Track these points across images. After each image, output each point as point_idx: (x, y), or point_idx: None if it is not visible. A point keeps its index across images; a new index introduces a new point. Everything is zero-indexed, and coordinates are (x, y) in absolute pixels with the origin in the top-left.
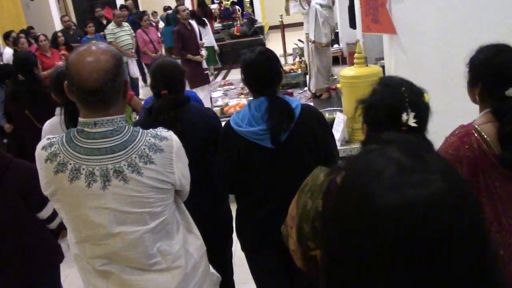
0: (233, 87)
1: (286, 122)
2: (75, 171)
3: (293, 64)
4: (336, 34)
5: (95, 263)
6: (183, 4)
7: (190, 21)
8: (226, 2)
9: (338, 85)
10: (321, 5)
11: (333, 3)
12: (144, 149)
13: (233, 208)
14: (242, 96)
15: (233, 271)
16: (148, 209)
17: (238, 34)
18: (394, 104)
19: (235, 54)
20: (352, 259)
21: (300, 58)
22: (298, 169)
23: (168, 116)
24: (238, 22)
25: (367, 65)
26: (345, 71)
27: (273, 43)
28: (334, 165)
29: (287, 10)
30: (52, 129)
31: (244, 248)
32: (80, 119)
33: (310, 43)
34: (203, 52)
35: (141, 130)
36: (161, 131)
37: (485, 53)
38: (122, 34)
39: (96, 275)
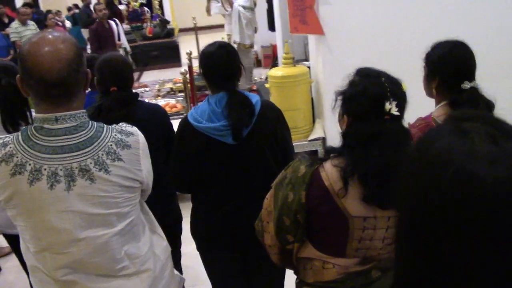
0: (148, 89)
1: (247, 118)
2: (35, 172)
3: None
4: None
5: (57, 274)
6: (99, 3)
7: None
8: (135, 3)
9: (267, 85)
10: (243, 7)
11: (255, 5)
12: (111, 145)
13: (183, 207)
14: (159, 98)
15: (182, 273)
16: (115, 209)
17: (150, 35)
18: (377, 94)
19: (147, 56)
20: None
21: None
22: (259, 165)
23: (119, 114)
24: (148, 24)
25: (294, 66)
26: (274, 72)
27: (186, 46)
28: (305, 158)
29: (208, 11)
30: None
31: (199, 248)
32: (38, 115)
33: (231, 42)
34: (121, 52)
35: (105, 125)
36: (126, 126)
37: (441, 48)
38: (28, 34)
39: (57, 287)
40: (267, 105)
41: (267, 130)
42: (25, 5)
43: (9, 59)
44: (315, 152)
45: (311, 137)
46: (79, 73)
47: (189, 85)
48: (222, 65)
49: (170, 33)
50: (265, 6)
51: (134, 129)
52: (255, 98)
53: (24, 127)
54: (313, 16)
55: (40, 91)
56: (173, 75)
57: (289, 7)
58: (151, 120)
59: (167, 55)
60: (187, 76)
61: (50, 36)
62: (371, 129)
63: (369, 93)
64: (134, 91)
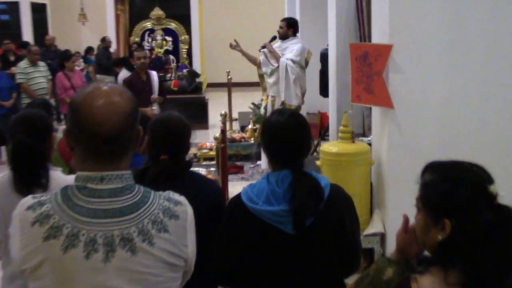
0: None
1: (313, 204)
2: (72, 237)
3: (245, 132)
4: None
5: None
6: (140, 49)
7: (152, 71)
8: (159, 50)
9: (318, 162)
10: (293, 61)
11: (307, 64)
12: (158, 213)
13: None
14: None
15: None
16: None
17: (175, 89)
18: (477, 178)
19: None
20: None
21: (253, 125)
22: (320, 263)
23: (164, 187)
24: (172, 75)
25: (353, 142)
26: (327, 147)
27: (215, 104)
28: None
29: (257, 64)
30: None
31: None
32: (81, 173)
33: (275, 106)
34: (155, 107)
35: (152, 191)
36: (174, 194)
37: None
38: (37, 76)
39: None
40: (336, 191)
41: (335, 222)
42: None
43: (11, 103)
44: (371, 250)
45: (368, 231)
46: (134, 129)
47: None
48: (291, 140)
49: (198, 87)
50: (317, 66)
51: (183, 198)
52: (324, 181)
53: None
54: (381, 85)
55: (90, 146)
56: (198, 138)
57: (353, 72)
58: (199, 197)
59: (194, 113)
60: (221, 142)
61: (105, 88)
62: (485, 221)
63: (467, 182)
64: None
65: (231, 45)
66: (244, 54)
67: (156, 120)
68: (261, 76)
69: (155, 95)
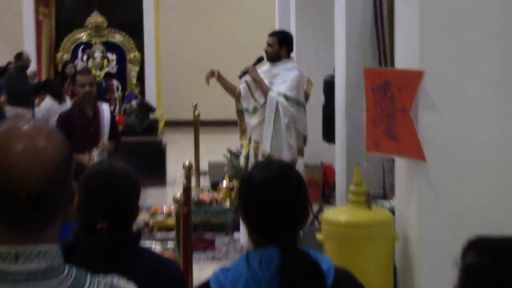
0: None
1: None
2: None
3: (217, 191)
4: None
5: None
6: (85, 72)
7: (102, 103)
8: (98, 73)
9: (319, 236)
10: (286, 98)
11: (307, 98)
12: None
13: None
14: None
15: None
16: None
17: (120, 128)
18: None
19: None
20: None
21: (229, 181)
22: None
23: (102, 268)
24: (117, 108)
25: (369, 207)
26: (333, 214)
27: (176, 151)
28: None
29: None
30: None
31: None
32: None
33: (259, 155)
34: (94, 153)
35: (89, 274)
36: (119, 280)
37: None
38: None
39: None
40: (344, 278)
41: None
42: None
43: None
44: None
45: None
46: (65, 186)
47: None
48: (280, 204)
49: (153, 126)
50: (319, 99)
51: (132, 286)
52: (326, 263)
53: None
54: (408, 127)
55: (1, 210)
56: (151, 200)
57: (368, 108)
58: (152, 283)
59: (145, 163)
60: (183, 205)
61: (26, 127)
62: None
63: None
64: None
65: (207, 79)
66: (221, 80)
67: (91, 173)
68: (240, 112)
69: (104, 139)
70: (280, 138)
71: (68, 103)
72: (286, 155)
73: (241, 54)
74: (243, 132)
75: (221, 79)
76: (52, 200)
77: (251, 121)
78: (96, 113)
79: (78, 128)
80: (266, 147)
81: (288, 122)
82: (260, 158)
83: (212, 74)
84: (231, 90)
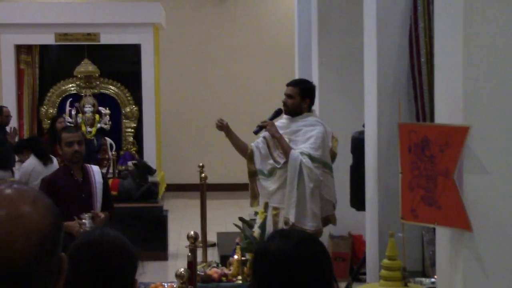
0: None
1: None
2: None
3: (227, 266)
4: None
5: None
6: (72, 129)
7: (91, 165)
8: (89, 130)
9: None
10: (311, 158)
11: (333, 158)
12: None
13: None
14: None
15: None
16: None
17: (114, 193)
18: None
19: None
20: None
21: (242, 255)
22: None
23: None
24: (111, 169)
25: (406, 285)
26: None
27: (179, 219)
28: None
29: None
30: None
31: None
32: None
33: (280, 225)
34: (85, 220)
35: None
36: None
37: None
38: None
39: None
40: None
41: None
42: None
43: None
44: None
45: None
46: (52, 259)
47: None
48: (301, 283)
49: (152, 191)
50: (346, 159)
51: None
52: None
53: None
54: (451, 192)
55: None
56: (151, 276)
57: (404, 170)
58: None
59: (144, 234)
60: (187, 283)
61: (8, 191)
62: None
63: None
64: None
65: (218, 125)
66: (231, 136)
67: (80, 243)
68: (252, 174)
69: (97, 207)
70: (304, 206)
71: (55, 165)
72: (309, 226)
73: (254, 107)
74: (254, 196)
75: (230, 134)
76: (38, 277)
77: (268, 185)
78: (86, 177)
79: (66, 195)
80: (290, 216)
81: (313, 187)
82: (281, 227)
83: (221, 124)
84: (242, 148)
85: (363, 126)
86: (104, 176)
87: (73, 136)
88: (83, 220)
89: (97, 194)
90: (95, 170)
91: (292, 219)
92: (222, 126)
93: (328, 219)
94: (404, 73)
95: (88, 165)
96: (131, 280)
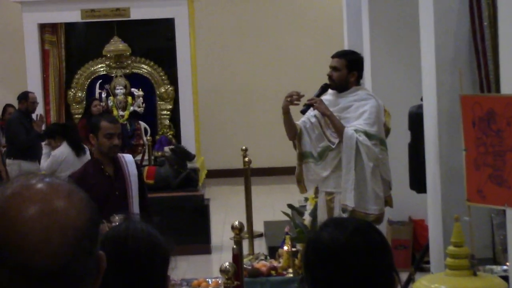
0: None
1: None
2: None
3: (277, 258)
4: None
5: None
6: (109, 116)
7: (123, 155)
8: (121, 113)
9: None
10: (367, 135)
11: (387, 133)
12: None
13: None
14: None
15: None
16: None
17: (151, 182)
18: None
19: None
20: None
21: (292, 246)
22: None
23: None
24: (146, 156)
25: (475, 274)
26: (427, 283)
27: (222, 208)
28: None
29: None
30: None
31: None
32: None
33: (336, 211)
34: (117, 221)
35: None
36: None
37: None
38: None
39: None
40: None
41: None
42: None
43: None
44: None
45: None
46: (90, 258)
47: None
48: (358, 274)
49: (192, 178)
50: (403, 136)
51: None
52: None
53: None
54: None
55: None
56: (194, 271)
57: (468, 147)
58: None
59: (184, 225)
60: (233, 277)
61: (40, 185)
62: None
63: None
64: None
65: (292, 100)
66: (288, 115)
67: (103, 241)
68: (301, 156)
69: (133, 206)
70: (364, 188)
71: (88, 156)
72: (373, 209)
73: (301, 83)
74: (299, 182)
75: (288, 114)
76: (77, 277)
77: (319, 170)
78: (119, 170)
79: (97, 193)
80: (348, 201)
81: (373, 166)
82: (338, 214)
83: (296, 98)
84: (293, 128)
85: (421, 99)
86: (139, 167)
87: (114, 128)
88: (115, 222)
89: (132, 190)
90: (128, 161)
91: (351, 204)
92: (292, 102)
93: (385, 201)
94: (464, 39)
95: (120, 154)
96: (163, 277)
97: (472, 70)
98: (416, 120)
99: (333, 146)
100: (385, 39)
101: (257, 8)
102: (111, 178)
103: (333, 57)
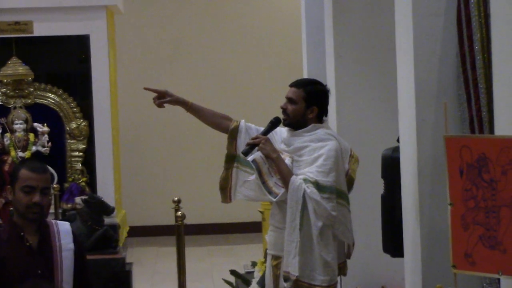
0: None
1: None
2: None
3: None
4: None
5: None
6: (34, 164)
7: (57, 221)
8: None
9: None
10: (318, 187)
11: (351, 184)
12: None
13: None
14: None
15: None
16: None
17: None
18: None
19: None
20: None
21: None
22: None
23: None
24: (52, 208)
25: None
26: None
27: (147, 274)
28: None
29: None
30: None
31: None
32: None
33: (280, 280)
34: None
35: None
36: None
37: None
38: None
39: None
40: None
41: None
42: None
43: None
44: None
45: None
46: None
47: None
48: None
49: (110, 238)
50: (375, 184)
51: None
52: None
53: None
54: None
55: None
56: None
57: (454, 200)
58: None
59: None
60: None
61: None
62: None
63: None
64: None
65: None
66: (194, 109)
67: None
68: (230, 159)
69: None
70: (310, 253)
71: None
72: (320, 280)
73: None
74: (224, 187)
75: (193, 107)
76: None
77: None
78: (46, 241)
79: (11, 269)
80: (291, 267)
81: (322, 226)
82: (282, 285)
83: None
84: (218, 120)
85: (398, 140)
86: (78, 240)
87: (37, 179)
88: None
89: (61, 270)
90: (62, 230)
91: (295, 272)
92: (161, 96)
93: (340, 268)
94: (451, 66)
95: (52, 221)
96: None
97: (460, 104)
98: (390, 166)
99: (274, 199)
100: (354, 65)
101: (195, 24)
102: (32, 250)
103: (290, 86)
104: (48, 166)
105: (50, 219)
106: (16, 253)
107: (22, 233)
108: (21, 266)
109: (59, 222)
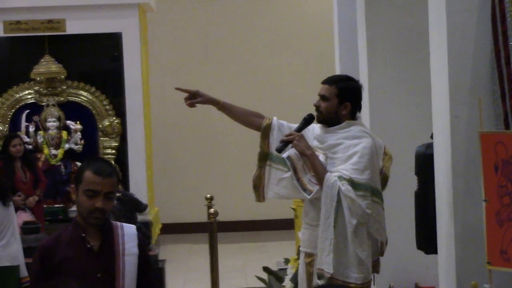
0: None
1: None
2: None
3: None
4: None
5: None
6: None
7: (123, 224)
8: (52, 152)
9: None
10: (353, 184)
11: (385, 181)
12: None
13: None
14: None
15: None
16: None
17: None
18: None
19: None
20: None
21: None
22: None
23: None
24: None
25: None
26: None
27: (180, 271)
28: None
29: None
30: None
31: None
32: None
33: (314, 278)
34: None
35: None
36: None
37: None
38: None
39: None
40: None
41: None
42: None
43: None
44: None
45: None
46: None
47: None
48: None
49: (143, 235)
50: (409, 182)
51: None
52: None
53: None
54: None
55: None
56: None
57: (489, 197)
58: None
59: None
60: None
61: None
62: None
63: None
64: None
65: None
66: (225, 107)
67: None
68: (263, 157)
69: None
70: (345, 251)
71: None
72: (354, 278)
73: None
74: (257, 186)
75: (224, 106)
76: None
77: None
78: (109, 244)
79: (71, 271)
80: (324, 265)
81: (357, 224)
82: (315, 282)
83: (190, 94)
84: (250, 118)
85: (431, 137)
86: (144, 246)
87: (101, 183)
88: None
89: (123, 275)
90: (128, 233)
91: (329, 269)
92: (193, 96)
93: (374, 266)
94: (486, 62)
95: (118, 223)
96: None
97: (494, 100)
98: (424, 163)
99: (309, 196)
100: (387, 62)
101: (229, 21)
102: (94, 253)
103: (322, 83)
104: (80, 163)
105: (118, 223)
106: (76, 255)
107: (83, 234)
108: (80, 268)
109: (124, 224)
